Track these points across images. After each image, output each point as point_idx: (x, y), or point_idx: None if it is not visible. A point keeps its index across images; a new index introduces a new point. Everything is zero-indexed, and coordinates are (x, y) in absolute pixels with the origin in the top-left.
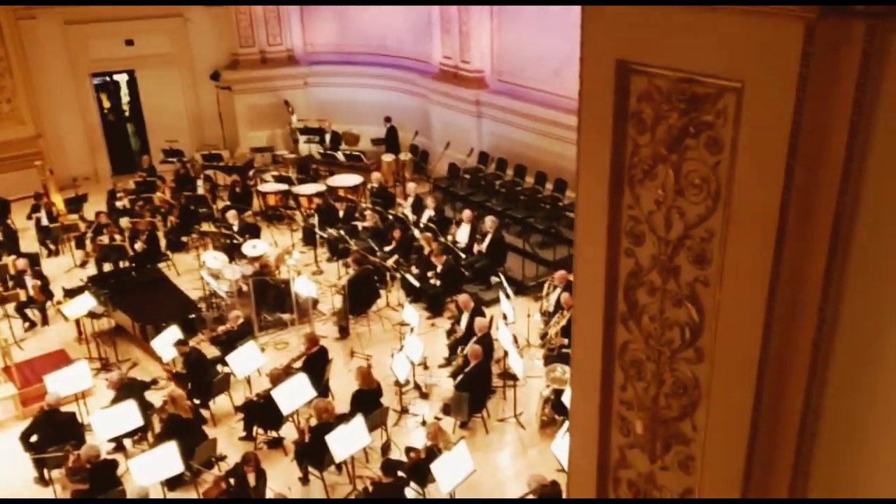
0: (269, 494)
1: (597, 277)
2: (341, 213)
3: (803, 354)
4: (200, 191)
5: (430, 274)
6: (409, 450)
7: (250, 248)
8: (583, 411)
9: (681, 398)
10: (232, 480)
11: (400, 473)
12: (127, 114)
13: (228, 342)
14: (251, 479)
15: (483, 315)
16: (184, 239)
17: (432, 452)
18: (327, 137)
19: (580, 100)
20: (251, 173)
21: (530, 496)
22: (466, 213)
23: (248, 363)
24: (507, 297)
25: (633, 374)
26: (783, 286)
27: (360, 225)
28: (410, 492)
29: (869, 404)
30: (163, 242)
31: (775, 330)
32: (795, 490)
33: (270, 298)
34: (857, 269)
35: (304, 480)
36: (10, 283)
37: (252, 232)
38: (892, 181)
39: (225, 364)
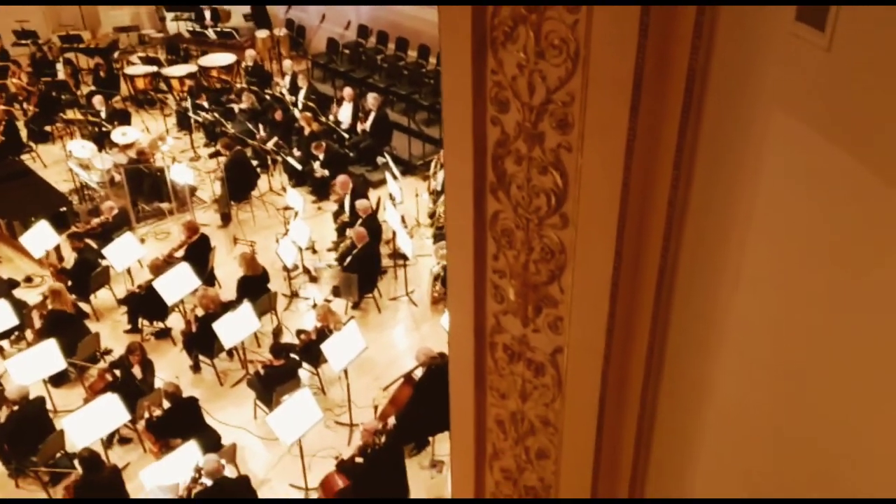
0: (158, 384)
1: (465, 149)
2: (215, 95)
3: (660, 213)
4: (61, 76)
5: (315, 165)
6: (299, 332)
7: (120, 135)
8: (459, 282)
9: (549, 263)
10: (118, 372)
11: (293, 356)
12: None
13: (104, 235)
14: (137, 371)
15: (366, 195)
16: (47, 128)
17: (323, 333)
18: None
19: None
20: (116, 55)
21: (419, 368)
22: (347, 91)
23: (128, 255)
24: (395, 177)
25: (505, 244)
26: (640, 147)
27: (236, 107)
28: (304, 372)
29: (722, 260)
30: (23, 133)
31: (633, 190)
32: (655, 339)
33: (146, 188)
34: (708, 127)
35: (195, 368)
36: None
37: (121, 118)
38: (741, 32)
39: (103, 258)
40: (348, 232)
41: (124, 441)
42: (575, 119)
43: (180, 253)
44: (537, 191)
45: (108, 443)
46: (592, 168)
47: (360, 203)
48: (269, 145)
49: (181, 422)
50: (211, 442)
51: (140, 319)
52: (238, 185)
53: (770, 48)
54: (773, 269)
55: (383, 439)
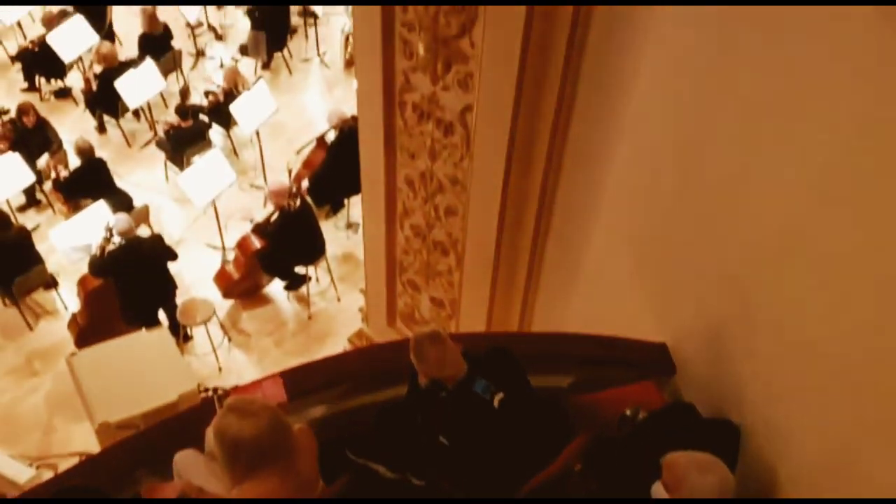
0: (64, 145)
1: None
2: None
3: None
4: None
5: None
6: (207, 93)
7: None
8: (366, 36)
9: (459, 14)
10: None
11: (202, 117)
12: None
13: None
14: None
15: None
16: None
17: (231, 95)
18: None
19: None
20: None
21: (332, 131)
22: None
23: (16, 6)
24: None
25: None
26: None
27: None
28: (216, 135)
29: (630, 35)
30: None
31: None
32: (564, 94)
33: None
34: None
35: (101, 129)
36: None
37: None
38: None
39: None
40: None
41: (33, 203)
42: None
43: None
44: None
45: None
46: None
47: None
48: None
49: (91, 182)
50: (122, 203)
51: (37, 77)
52: None
53: None
54: (674, 33)
55: (297, 203)
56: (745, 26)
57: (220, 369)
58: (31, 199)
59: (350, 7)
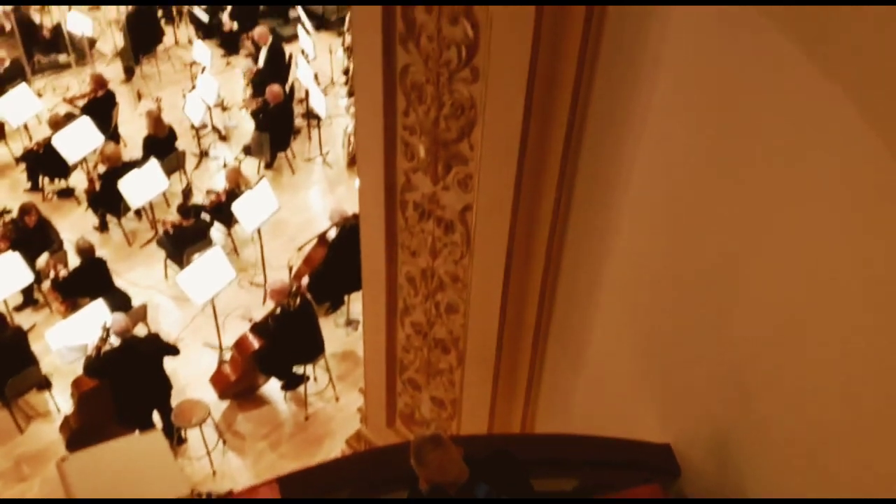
0: (64, 244)
1: None
2: None
3: (570, 67)
4: None
5: (222, 16)
6: (209, 192)
7: None
8: (369, 139)
9: (459, 119)
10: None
11: (203, 216)
12: None
13: None
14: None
15: (283, 51)
16: None
17: (233, 194)
18: None
19: None
20: None
21: (333, 229)
22: None
23: (24, 109)
24: (307, 32)
25: (415, 98)
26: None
27: None
28: (217, 233)
29: (628, 117)
30: None
31: (543, 42)
32: (561, 194)
33: (41, 37)
34: None
35: (102, 228)
36: None
37: None
38: None
39: None
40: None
41: (30, 302)
42: None
43: (80, 103)
44: (448, 42)
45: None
46: (503, 18)
47: (271, 89)
48: None
49: (89, 281)
50: (120, 302)
51: (41, 178)
52: (142, 37)
53: None
54: (669, 129)
55: (298, 301)
56: (740, 127)
57: (214, 473)
58: (29, 298)
59: (353, 109)
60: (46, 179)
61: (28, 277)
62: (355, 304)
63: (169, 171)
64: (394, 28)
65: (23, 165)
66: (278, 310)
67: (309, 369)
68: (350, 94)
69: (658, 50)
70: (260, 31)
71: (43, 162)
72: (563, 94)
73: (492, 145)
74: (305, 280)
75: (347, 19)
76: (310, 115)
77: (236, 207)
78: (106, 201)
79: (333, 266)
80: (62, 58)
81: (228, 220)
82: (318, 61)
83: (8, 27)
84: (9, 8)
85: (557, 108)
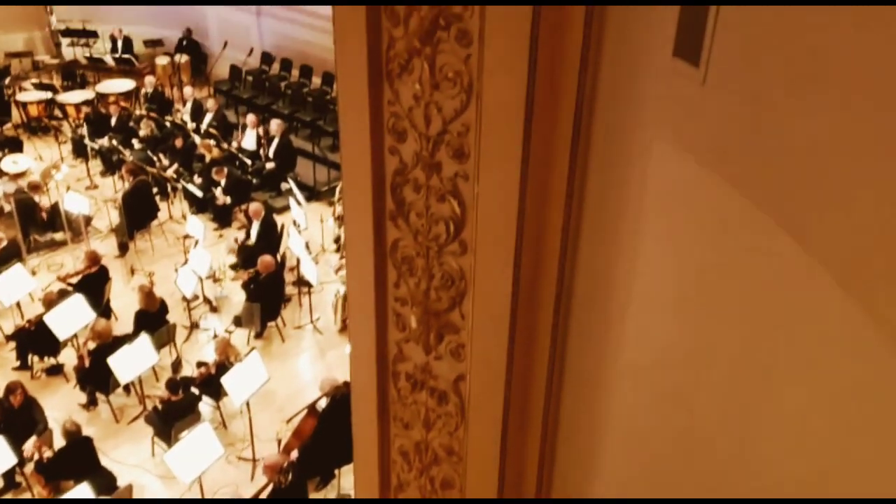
0: (50, 423)
1: (363, 177)
2: (114, 122)
3: (555, 238)
4: None
5: (216, 192)
6: (199, 364)
7: (11, 163)
8: (360, 310)
9: (449, 290)
10: None
11: (193, 389)
12: None
13: None
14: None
15: (274, 223)
16: None
17: (223, 366)
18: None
19: None
20: (7, 81)
21: (324, 399)
22: (251, 118)
23: (17, 288)
24: (299, 203)
25: (405, 271)
26: (533, 175)
27: (137, 134)
28: (205, 406)
29: (614, 281)
30: None
31: (529, 216)
32: (554, 362)
33: (38, 217)
34: (597, 148)
35: (91, 404)
36: None
37: (12, 146)
38: (624, 66)
39: None
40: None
41: (12, 486)
42: (471, 148)
43: (74, 280)
44: (436, 218)
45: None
46: (489, 195)
47: (264, 260)
48: (169, 172)
49: (74, 463)
50: (105, 483)
51: (30, 356)
52: (137, 214)
53: (650, 80)
54: (661, 291)
55: (289, 477)
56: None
57: None
58: (10, 481)
59: (344, 273)
60: (36, 357)
61: (10, 460)
62: (346, 477)
63: (159, 345)
64: (384, 207)
65: (12, 344)
66: (270, 486)
67: None
68: (342, 256)
69: (640, 204)
70: (255, 207)
71: (33, 340)
72: (549, 265)
73: (483, 315)
74: (294, 454)
75: (338, 189)
76: (300, 283)
77: (226, 381)
78: (95, 378)
79: (324, 438)
80: (58, 236)
81: (217, 393)
82: (310, 230)
83: (7, 209)
84: (10, 190)
85: (546, 278)
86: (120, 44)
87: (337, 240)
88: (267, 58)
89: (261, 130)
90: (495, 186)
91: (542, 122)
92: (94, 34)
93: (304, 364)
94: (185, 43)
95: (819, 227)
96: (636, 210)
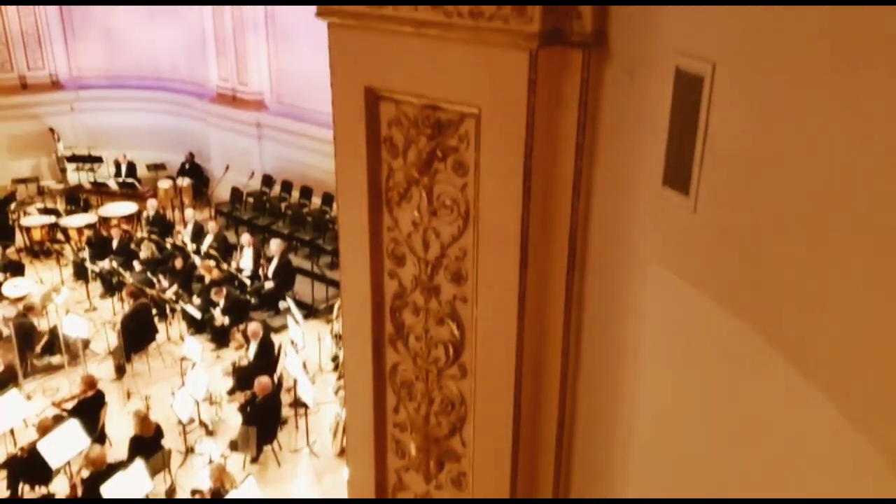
0: None
1: (363, 300)
2: (115, 244)
3: (555, 362)
4: None
5: (214, 312)
6: (193, 492)
7: (12, 287)
8: (358, 436)
9: (449, 415)
10: None
11: None
12: None
13: None
14: None
15: (272, 343)
16: None
17: (218, 493)
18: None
19: (334, 125)
20: (13, 206)
21: None
22: (246, 238)
23: (12, 414)
24: (297, 322)
25: (405, 395)
26: (532, 296)
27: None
28: None
29: (615, 405)
30: None
31: (528, 338)
32: (558, 492)
33: (36, 341)
34: (593, 273)
35: None
36: None
37: (14, 270)
38: (615, 194)
39: None
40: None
41: None
42: (468, 272)
43: (69, 405)
44: (435, 341)
45: None
46: (487, 318)
47: (261, 382)
48: (169, 294)
49: None
50: None
51: (21, 485)
52: (136, 337)
53: (642, 207)
54: (662, 417)
55: None
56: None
57: None
58: None
59: (342, 395)
60: (27, 486)
61: None
62: None
63: (154, 472)
64: (383, 330)
65: (3, 472)
66: None
67: None
68: (339, 376)
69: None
70: (253, 327)
71: (25, 468)
72: (550, 390)
73: (484, 442)
74: None
75: (336, 307)
76: (297, 404)
77: None
78: None
79: None
80: (55, 359)
81: None
82: (307, 349)
83: (6, 333)
84: (10, 314)
85: (547, 403)
86: (124, 168)
87: (334, 358)
88: (267, 180)
89: (261, 249)
90: (494, 309)
91: (537, 247)
92: (98, 159)
93: (300, 488)
94: (187, 166)
95: (814, 344)
96: (633, 333)
